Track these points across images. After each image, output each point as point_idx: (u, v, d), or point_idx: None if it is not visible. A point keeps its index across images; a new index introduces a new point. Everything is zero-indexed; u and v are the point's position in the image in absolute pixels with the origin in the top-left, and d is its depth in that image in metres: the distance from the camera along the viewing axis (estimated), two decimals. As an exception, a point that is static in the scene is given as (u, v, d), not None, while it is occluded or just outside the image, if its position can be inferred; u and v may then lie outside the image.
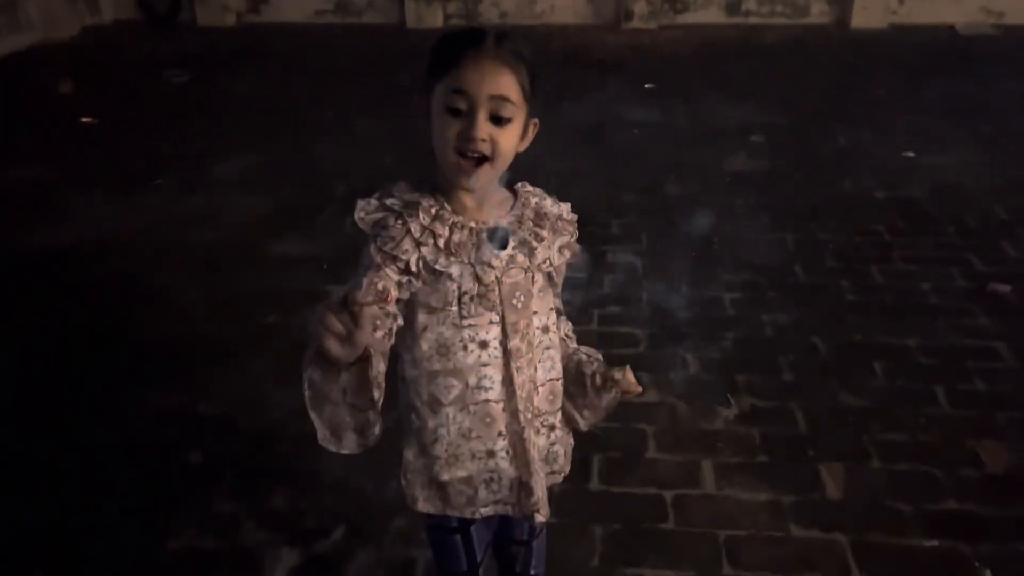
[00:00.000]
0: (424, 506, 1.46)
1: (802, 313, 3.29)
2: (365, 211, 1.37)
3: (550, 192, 1.48)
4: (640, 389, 1.49)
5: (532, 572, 1.67)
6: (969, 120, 5.35)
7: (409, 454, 1.46)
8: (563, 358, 1.51)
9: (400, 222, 1.33)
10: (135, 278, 3.75)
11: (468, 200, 1.37)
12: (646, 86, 6.30)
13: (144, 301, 3.57)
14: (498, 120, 1.28)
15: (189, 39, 7.75)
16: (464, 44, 1.28)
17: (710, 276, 3.57)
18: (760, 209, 4.20)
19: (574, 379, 1.53)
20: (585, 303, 3.37)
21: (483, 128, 1.27)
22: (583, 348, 1.59)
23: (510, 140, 1.31)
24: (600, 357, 1.56)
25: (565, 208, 1.48)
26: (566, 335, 1.57)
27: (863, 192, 4.37)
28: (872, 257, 3.68)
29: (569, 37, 7.60)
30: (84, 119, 5.64)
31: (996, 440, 2.55)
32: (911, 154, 4.84)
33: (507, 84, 1.27)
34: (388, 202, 1.37)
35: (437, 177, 1.38)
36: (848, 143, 5.07)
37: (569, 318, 1.61)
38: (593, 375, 1.51)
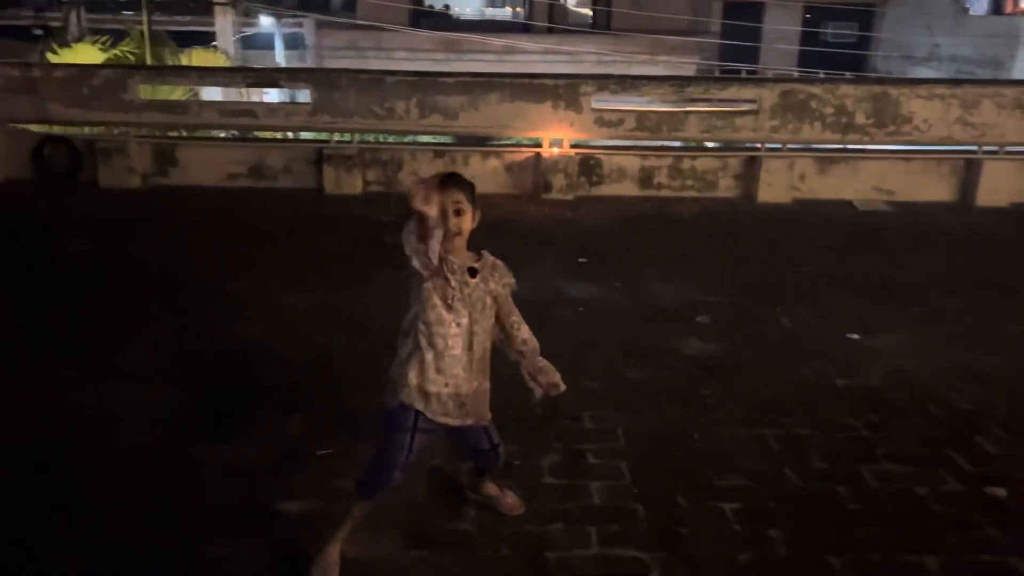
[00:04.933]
0: (413, 404, 2.70)
1: (808, 527, 3.09)
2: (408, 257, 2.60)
3: None
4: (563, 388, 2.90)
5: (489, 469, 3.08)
6: (894, 300, 5.53)
7: (412, 373, 2.69)
8: (511, 347, 2.88)
9: (427, 257, 2.55)
10: (38, 495, 3.17)
11: (458, 254, 2.67)
12: (579, 260, 6.28)
13: (51, 532, 2.99)
14: (459, 213, 2.60)
15: (91, 201, 7.27)
16: (442, 183, 2.51)
17: (702, 482, 3.35)
18: (729, 401, 4.07)
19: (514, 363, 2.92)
20: (579, 517, 3.09)
21: (453, 220, 2.59)
22: (523, 348, 2.87)
23: (467, 222, 2.64)
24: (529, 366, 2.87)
25: (502, 265, 2.78)
26: (524, 339, 2.87)
27: (823, 380, 4.33)
28: (857, 456, 3.57)
29: (492, 207, 7.58)
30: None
31: None
32: (856, 336, 4.91)
33: (461, 196, 2.61)
34: (419, 248, 2.56)
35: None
36: (791, 324, 5.11)
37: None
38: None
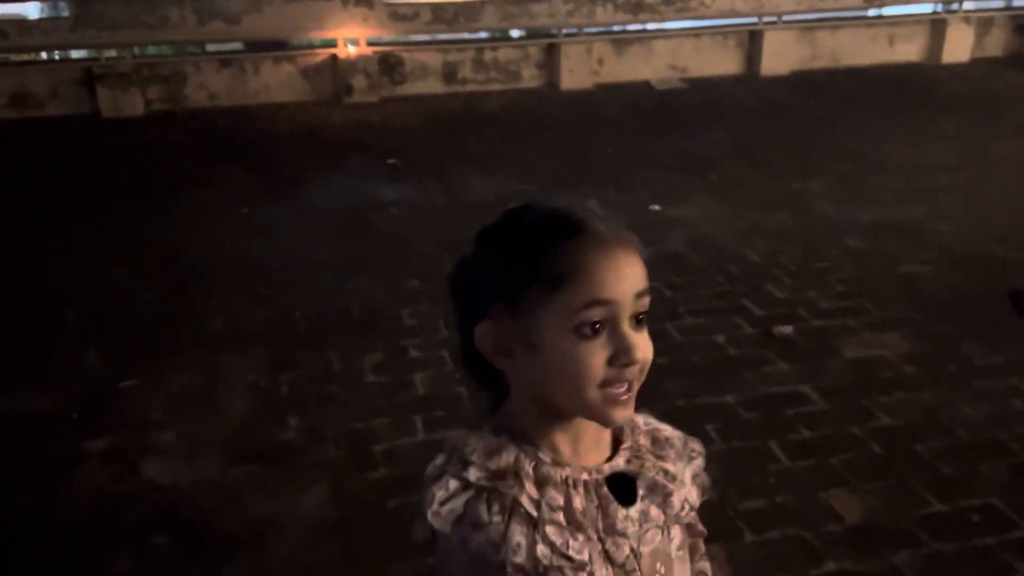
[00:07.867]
0: None
1: (622, 385, 3.26)
2: (443, 501, 0.90)
3: None
4: None
5: None
6: (693, 172, 5.82)
7: None
8: None
9: (498, 507, 0.90)
10: None
11: (563, 443, 0.95)
12: (389, 162, 6.15)
13: None
14: (639, 321, 0.94)
15: None
16: (578, 241, 0.91)
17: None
18: (544, 280, 4.17)
19: None
20: (405, 409, 3.10)
21: (639, 341, 0.92)
22: None
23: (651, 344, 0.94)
24: None
25: (679, 435, 1.08)
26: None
27: (631, 250, 4.52)
28: (662, 315, 3.78)
29: (291, 115, 7.24)
30: None
31: (841, 488, 2.65)
32: (657, 207, 5.14)
33: (643, 272, 0.95)
34: (473, 479, 0.91)
35: (513, 416, 0.96)
36: (597, 202, 5.26)
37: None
38: None
